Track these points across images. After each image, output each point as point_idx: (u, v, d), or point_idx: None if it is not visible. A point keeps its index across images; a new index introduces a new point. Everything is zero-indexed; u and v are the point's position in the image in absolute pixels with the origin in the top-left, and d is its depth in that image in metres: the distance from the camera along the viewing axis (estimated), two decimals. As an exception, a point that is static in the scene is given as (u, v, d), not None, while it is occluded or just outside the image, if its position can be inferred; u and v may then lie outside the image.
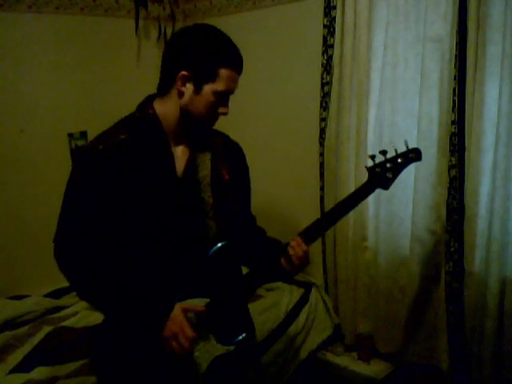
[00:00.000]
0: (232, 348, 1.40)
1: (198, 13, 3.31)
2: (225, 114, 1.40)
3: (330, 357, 2.72)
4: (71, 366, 2.03)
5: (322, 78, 2.63)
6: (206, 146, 1.48)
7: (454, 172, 2.22)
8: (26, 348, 2.17)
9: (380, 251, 2.59)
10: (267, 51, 3.00)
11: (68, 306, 2.56)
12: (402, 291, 2.54)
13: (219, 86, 1.35)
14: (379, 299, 2.63)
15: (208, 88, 1.35)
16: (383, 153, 1.50)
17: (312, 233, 1.48)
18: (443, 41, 2.19)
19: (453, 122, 2.18)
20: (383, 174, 1.50)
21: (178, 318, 1.31)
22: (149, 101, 1.46)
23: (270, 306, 2.56)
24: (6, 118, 2.68)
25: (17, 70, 2.69)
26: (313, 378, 2.68)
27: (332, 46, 2.56)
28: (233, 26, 3.16)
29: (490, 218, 2.15)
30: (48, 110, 2.82)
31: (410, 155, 1.53)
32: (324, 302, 2.78)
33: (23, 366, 2.05)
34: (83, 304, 2.57)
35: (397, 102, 2.43)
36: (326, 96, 2.63)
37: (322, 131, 2.67)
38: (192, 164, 1.44)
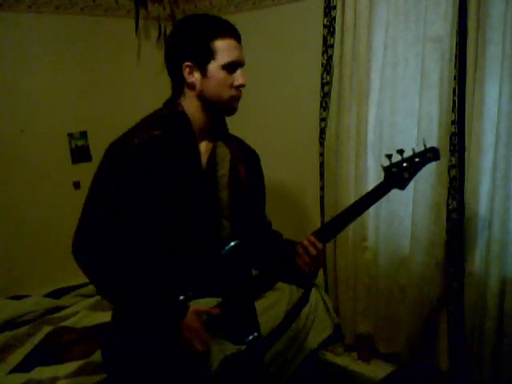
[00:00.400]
0: (243, 347, 1.41)
1: (198, 13, 3.31)
2: (242, 85, 1.37)
3: (329, 357, 2.72)
4: (71, 366, 2.03)
5: (322, 78, 2.63)
6: (227, 144, 1.49)
7: (453, 172, 2.22)
8: (26, 348, 2.17)
9: (380, 251, 2.59)
10: (267, 51, 2.99)
11: (68, 306, 2.56)
12: (402, 291, 2.54)
13: (221, 59, 1.33)
14: (379, 299, 2.63)
15: (212, 66, 1.34)
16: (400, 152, 1.47)
17: (326, 231, 1.48)
18: (443, 41, 2.19)
19: (453, 122, 2.18)
20: (400, 173, 1.47)
21: (193, 323, 1.33)
22: (176, 98, 1.45)
23: (269, 305, 2.55)
24: (6, 117, 2.68)
25: (17, 70, 2.69)
26: (313, 378, 2.68)
27: (332, 46, 2.56)
28: (233, 26, 3.18)
29: (490, 217, 2.15)
30: (48, 109, 2.82)
31: (428, 154, 1.50)
32: (324, 301, 2.78)
33: (23, 366, 2.05)
34: (83, 304, 2.57)
35: (397, 102, 2.43)
36: (326, 96, 2.63)
37: (322, 131, 2.67)
38: (213, 161, 1.44)
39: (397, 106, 2.44)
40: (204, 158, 1.44)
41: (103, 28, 3.00)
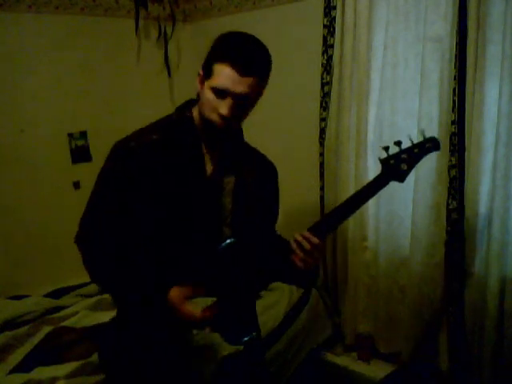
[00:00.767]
0: (241, 348, 1.40)
1: (198, 13, 3.31)
2: (223, 115, 1.32)
3: (329, 357, 2.72)
4: (71, 366, 2.03)
5: (322, 78, 2.63)
6: (237, 155, 1.49)
7: (453, 172, 2.22)
8: (26, 348, 2.17)
9: (380, 251, 2.60)
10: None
11: (68, 306, 2.56)
12: (401, 291, 2.54)
13: (214, 81, 1.31)
14: (379, 299, 2.63)
15: (207, 84, 1.33)
16: (398, 143, 1.43)
17: (321, 226, 1.43)
18: (443, 41, 2.19)
19: (453, 122, 2.18)
20: (397, 165, 1.43)
21: (175, 298, 1.34)
22: (189, 104, 1.46)
23: (269, 305, 2.55)
24: (6, 118, 2.68)
25: (17, 70, 2.69)
26: (313, 378, 2.68)
27: (332, 46, 2.56)
28: (233, 26, 3.15)
29: (490, 217, 2.15)
30: (48, 110, 2.82)
31: (427, 145, 1.45)
32: (324, 302, 2.77)
33: (23, 366, 2.05)
34: (83, 304, 2.57)
35: (397, 102, 2.43)
36: (326, 96, 2.63)
37: (322, 131, 2.67)
38: (220, 167, 1.45)
39: (397, 106, 2.44)
40: (210, 165, 1.44)
41: (103, 28, 3.00)
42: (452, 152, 2.21)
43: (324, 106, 2.65)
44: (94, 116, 2.97)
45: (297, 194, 2.97)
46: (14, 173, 2.72)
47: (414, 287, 2.45)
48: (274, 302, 2.60)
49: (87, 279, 1.51)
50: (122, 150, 1.40)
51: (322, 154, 2.71)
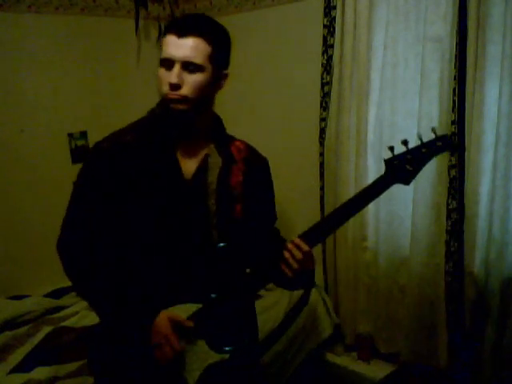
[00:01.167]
0: (227, 356, 1.32)
1: (198, 13, 3.31)
2: (171, 82, 1.27)
3: (329, 357, 2.72)
4: (71, 366, 2.03)
5: (322, 78, 2.63)
6: (220, 152, 1.42)
7: (453, 172, 2.22)
8: (26, 348, 2.17)
9: (380, 251, 2.60)
10: (267, 51, 3.00)
11: (68, 306, 2.56)
12: (401, 291, 2.54)
13: (161, 54, 1.30)
14: (379, 299, 2.63)
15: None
16: (405, 143, 1.32)
17: (314, 233, 1.37)
18: (443, 41, 2.20)
19: (453, 122, 2.19)
20: (402, 166, 1.31)
21: (163, 328, 1.27)
22: None
23: (269, 305, 2.55)
24: (6, 117, 2.68)
25: (17, 70, 2.69)
26: (313, 378, 2.68)
27: (332, 46, 2.56)
28: (233, 25, 3.16)
29: (490, 217, 2.16)
30: (48, 109, 2.82)
31: (437, 143, 1.32)
32: (324, 302, 2.77)
33: (23, 366, 2.05)
34: (83, 304, 2.56)
35: (397, 102, 2.43)
36: (326, 96, 2.63)
37: (322, 131, 2.67)
38: (203, 168, 1.39)
39: (397, 106, 2.44)
40: (190, 166, 1.38)
41: (103, 28, 3.00)
42: (452, 152, 2.21)
43: (324, 106, 2.64)
44: (93, 116, 2.97)
45: (297, 194, 2.97)
46: (14, 173, 2.72)
47: (414, 287, 2.45)
48: (274, 302, 2.60)
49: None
50: (94, 152, 1.37)
51: (321, 154, 2.71)
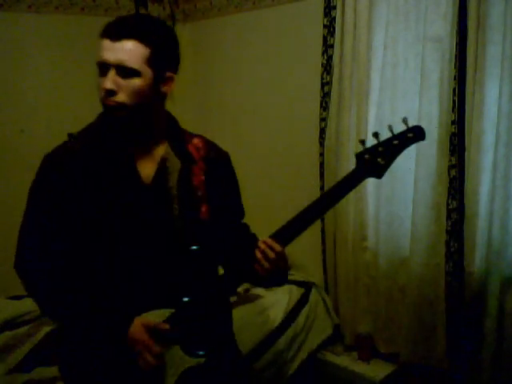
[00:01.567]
0: (202, 360, 1.29)
1: (198, 13, 3.31)
2: (104, 88, 1.24)
3: (329, 357, 2.71)
4: (71, 366, 2.03)
5: (322, 78, 2.62)
6: (180, 152, 1.37)
7: (453, 172, 2.22)
8: (26, 348, 2.17)
9: (380, 251, 2.59)
10: (267, 51, 3.00)
11: (68, 306, 2.56)
12: (401, 291, 2.54)
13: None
14: (379, 299, 2.63)
15: None
16: (375, 135, 1.29)
17: (287, 231, 1.32)
18: (443, 41, 2.19)
19: (453, 122, 2.18)
20: (373, 160, 1.28)
21: (140, 335, 1.24)
22: None
23: (269, 305, 2.56)
24: (6, 118, 2.68)
25: (17, 70, 2.69)
26: (313, 378, 2.68)
27: (332, 46, 2.56)
28: (233, 25, 3.19)
29: (490, 217, 2.15)
30: (48, 110, 2.82)
31: (409, 135, 1.29)
32: (324, 302, 2.77)
33: (23, 366, 2.05)
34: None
35: (397, 102, 2.43)
36: (326, 96, 2.63)
37: (322, 131, 2.67)
38: (163, 171, 1.35)
39: (397, 106, 2.43)
40: (149, 170, 1.34)
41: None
42: (452, 152, 2.21)
43: (324, 106, 2.64)
44: (93, 116, 2.96)
45: (297, 194, 2.97)
46: (14, 173, 2.72)
47: (413, 287, 2.45)
48: (274, 302, 2.60)
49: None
50: (43, 166, 1.34)
51: (321, 154, 2.70)
